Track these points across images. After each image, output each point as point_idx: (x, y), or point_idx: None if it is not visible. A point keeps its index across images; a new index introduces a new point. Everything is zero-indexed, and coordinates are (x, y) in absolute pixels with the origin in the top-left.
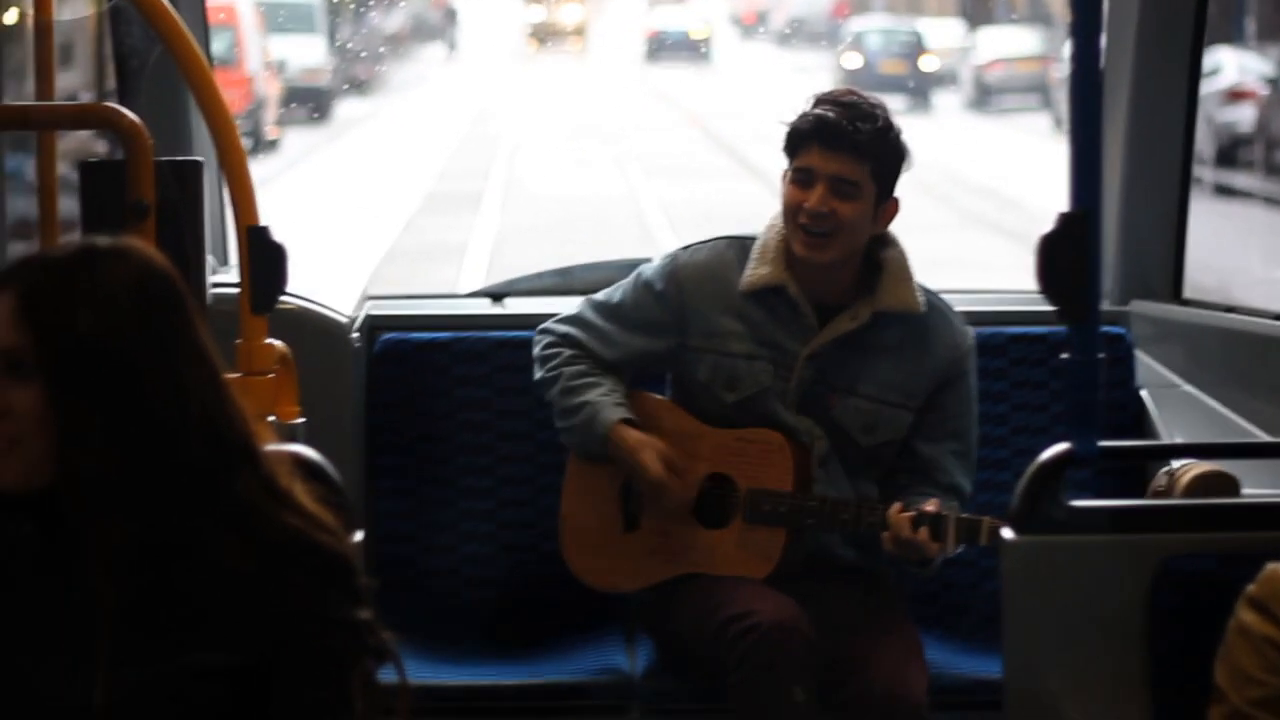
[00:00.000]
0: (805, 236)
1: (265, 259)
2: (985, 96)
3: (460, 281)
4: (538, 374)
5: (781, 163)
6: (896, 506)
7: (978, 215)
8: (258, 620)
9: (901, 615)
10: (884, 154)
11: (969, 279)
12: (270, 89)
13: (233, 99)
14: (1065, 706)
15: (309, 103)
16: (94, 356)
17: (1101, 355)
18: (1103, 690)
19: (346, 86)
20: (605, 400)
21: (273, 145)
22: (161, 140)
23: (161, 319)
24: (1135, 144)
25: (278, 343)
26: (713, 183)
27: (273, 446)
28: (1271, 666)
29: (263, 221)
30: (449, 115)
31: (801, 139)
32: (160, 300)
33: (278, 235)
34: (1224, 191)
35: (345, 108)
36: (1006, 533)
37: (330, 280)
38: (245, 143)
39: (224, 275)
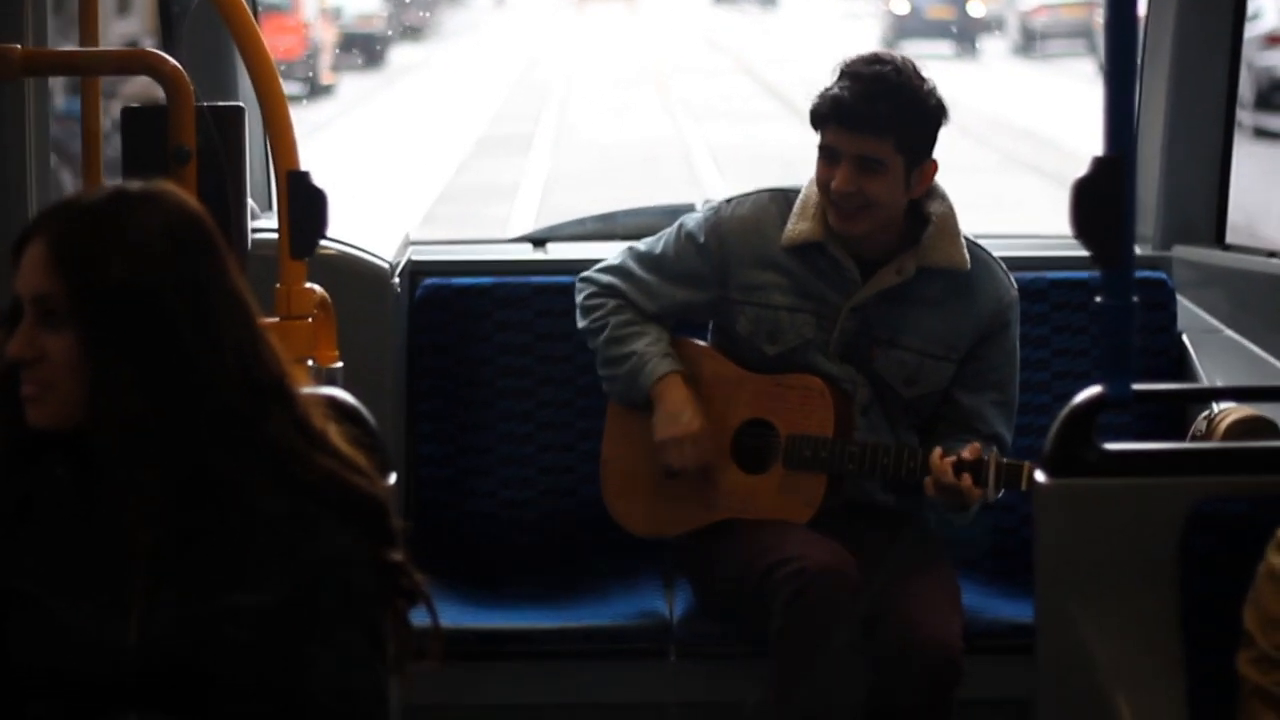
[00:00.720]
0: (837, 211)
1: (305, 204)
2: (1031, 42)
3: (512, 219)
4: (581, 322)
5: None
6: (938, 452)
7: (1018, 157)
8: (290, 561)
9: (939, 560)
10: (909, 124)
11: (1006, 217)
12: (326, 35)
13: (289, 45)
14: (1096, 649)
15: (363, 49)
16: (126, 302)
17: (1135, 299)
18: (1134, 633)
19: (399, 33)
20: (653, 350)
21: (328, 90)
22: (205, 86)
23: (193, 263)
24: (1178, 89)
25: (316, 287)
26: (759, 126)
27: (308, 390)
28: None
29: (305, 166)
30: (500, 61)
31: (822, 119)
32: (192, 244)
33: (324, 179)
34: (1262, 134)
35: (399, 54)
36: (1039, 476)
37: (383, 219)
38: (301, 88)
39: (266, 220)
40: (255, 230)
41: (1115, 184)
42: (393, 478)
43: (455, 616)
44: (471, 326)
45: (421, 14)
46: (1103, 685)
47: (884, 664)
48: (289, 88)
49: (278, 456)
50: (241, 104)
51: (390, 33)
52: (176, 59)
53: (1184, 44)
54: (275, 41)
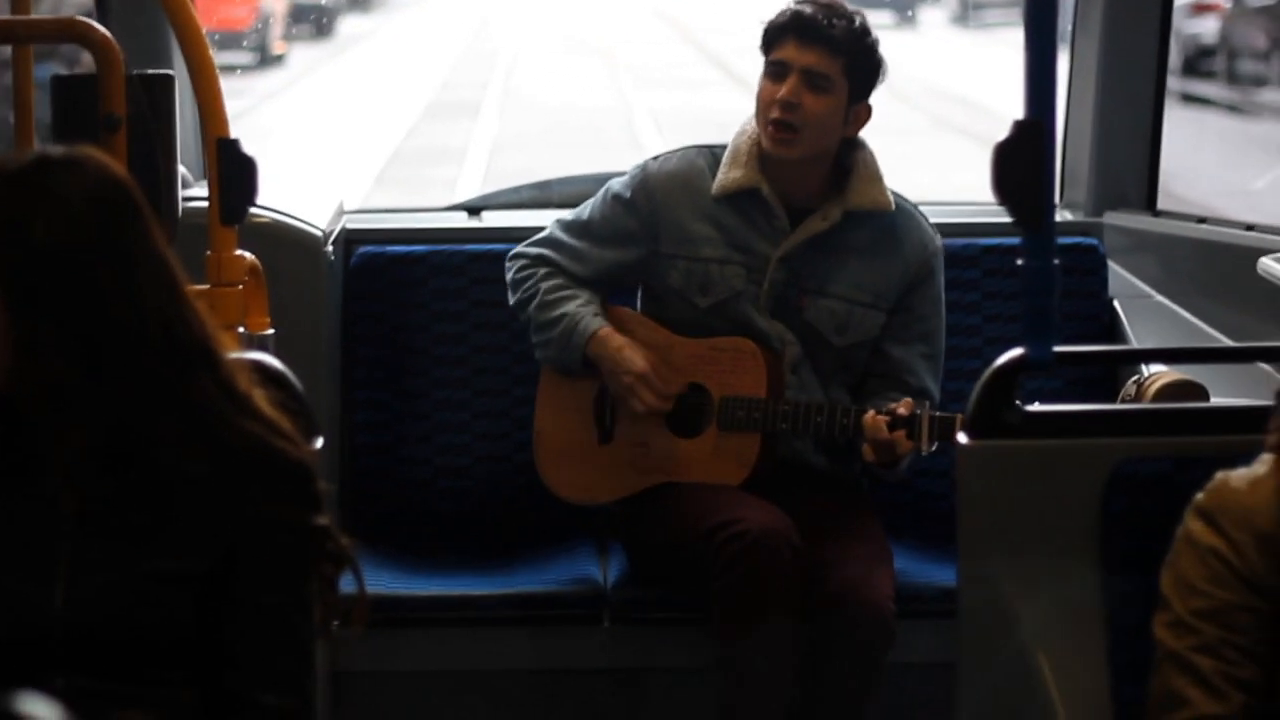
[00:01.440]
0: (774, 131)
1: (234, 171)
2: (968, 11)
3: (460, 181)
4: (513, 298)
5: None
6: (871, 413)
7: (949, 121)
8: (216, 525)
9: (872, 523)
10: (858, 53)
11: (936, 176)
12: (277, 5)
13: (240, 15)
14: (1018, 609)
15: (313, 19)
16: (49, 265)
17: (1057, 261)
18: (1055, 593)
19: (349, 3)
20: (584, 310)
21: (279, 60)
22: (140, 55)
23: (116, 227)
24: (1110, 56)
25: (247, 254)
26: (700, 92)
27: (234, 354)
28: (1216, 578)
29: (263, 130)
30: (448, 30)
31: (778, 32)
32: (114, 208)
33: (278, 143)
34: (1189, 100)
35: (348, 24)
36: (961, 437)
37: (319, 187)
38: (252, 58)
39: (200, 189)
40: (190, 198)
41: (1035, 147)
42: (319, 442)
43: (390, 583)
44: (406, 294)
45: None
46: (1024, 645)
47: (817, 626)
48: (239, 57)
49: (203, 420)
50: (171, 72)
51: (340, 3)
52: (110, 28)
53: (1115, 11)
54: (226, 12)
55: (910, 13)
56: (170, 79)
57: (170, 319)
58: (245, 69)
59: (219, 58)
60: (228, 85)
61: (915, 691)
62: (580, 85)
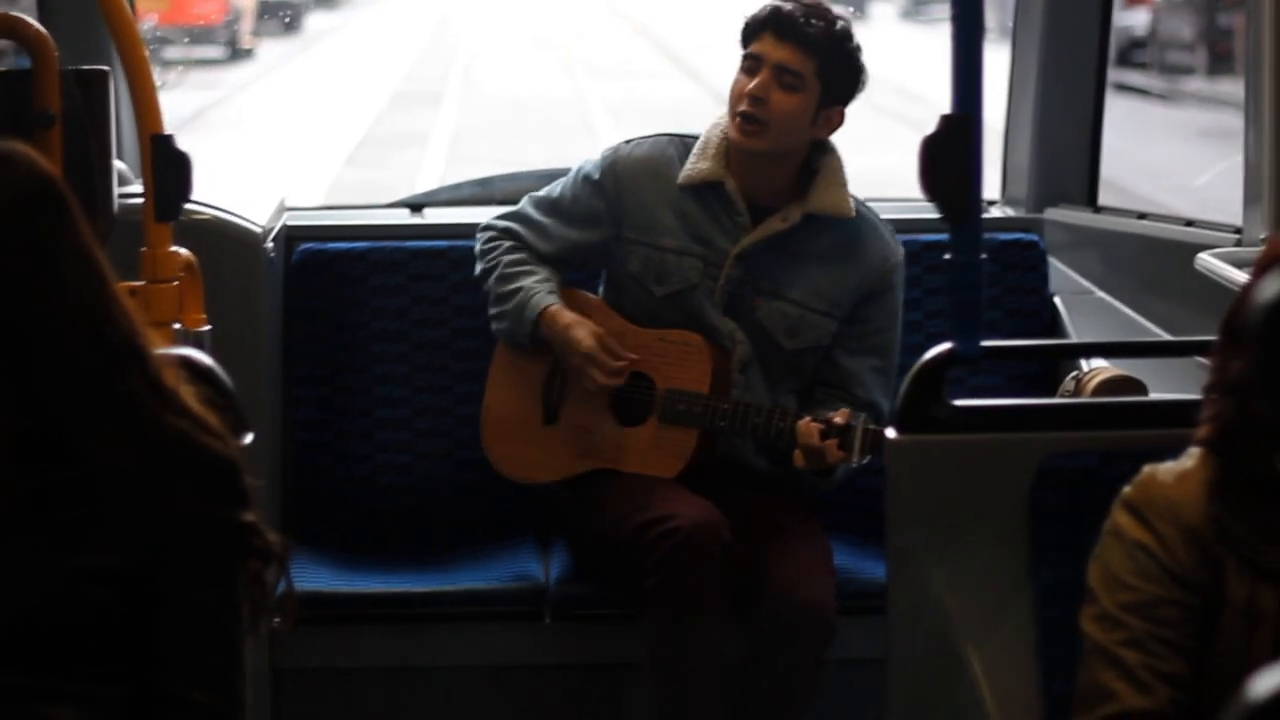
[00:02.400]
0: (741, 123)
1: (169, 168)
2: (917, 6)
3: (424, 162)
4: (478, 268)
5: (720, 67)
6: (806, 419)
7: (884, 106)
8: (143, 522)
9: (810, 522)
10: (834, 54)
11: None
12: (247, 2)
13: (212, 11)
14: (947, 604)
15: (281, 16)
16: None
17: (984, 256)
18: (984, 588)
19: (314, 0)
20: (540, 287)
21: (249, 54)
22: (78, 51)
23: (41, 222)
24: (1050, 51)
25: (182, 251)
26: (653, 83)
27: (161, 350)
28: (1142, 571)
29: (167, 130)
30: (410, 27)
31: (756, 27)
32: (40, 203)
33: (229, 135)
34: (1122, 89)
35: (314, 20)
36: (890, 432)
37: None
38: (223, 52)
39: (141, 186)
40: (129, 195)
41: (963, 142)
42: (249, 438)
43: (331, 580)
44: (347, 291)
45: None
46: (953, 639)
47: (757, 624)
48: (212, 51)
49: (129, 416)
50: (106, 68)
51: (307, 0)
52: (51, 25)
53: (1056, 7)
54: (199, 8)
55: (858, 10)
56: (105, 75)
57: (97, 315)
58: (217, 63)
59: (193, 52)
60: (201, 78)
61: (857, 688)
62: (537, 77)
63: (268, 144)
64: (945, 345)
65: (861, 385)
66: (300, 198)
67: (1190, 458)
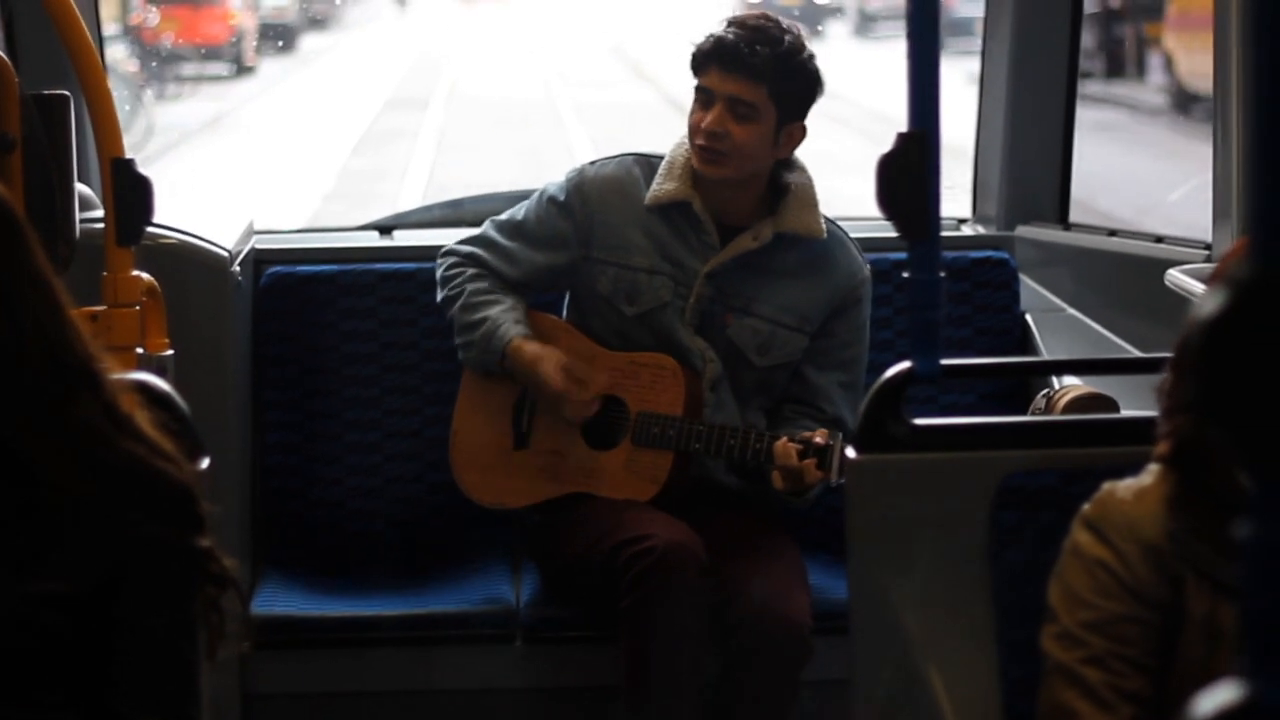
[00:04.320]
0: (701, 153)
1: (130, 191)
2: (867, 24)
3: (415, 152)
4: (440, 294)
5: (678, 75)
6: (784, 440)
7: (832, 113)
8: (97, 547)
9: (784, 540)
10: (784, 77)
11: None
12: (249, 23)
13: (219, 32)
14: (908, 623)
15: (278, 38)
16: None
17: (943, 274)
18: (946, 607)
19: (307, 23)
20: (505, 316)
21: (251, 71)
22: (43, 76)
23: None
24: (1020, 69)
25: (144, 275)
26: (616, 90)
27: (116, 375)
28: (1103, 589)
29: (129, 154)
30: (397, 45)
31: (703, 59)
32: None
33: (241, 142)
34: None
35: (308, 42)
36: (850, 452)
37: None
38: (229, 69)
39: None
40: (93, 219)
41: (920, 159)
42: (205, 462)
43: (301, 604)
44: (316, 314)
45: (330, 6)
46: (915, 659)
47: (733, 644)
48: (219, 68)
49: (84, 441)
50: (67, 92)
51: (302, 23)
52: (16, 49)
53: (1024, 23)
54: (207, 29)
55: (820, 27)
56: (66, 99)
57: (53, 341)
58: (223, 79)
59: (204, 69)
60: (211, 91)
61: (834, 708)
62: (513, 86)
63: (277, 144)
64: (904, 364)
65: (829, 400)
66: (294, 204)
67: (1149, 474)
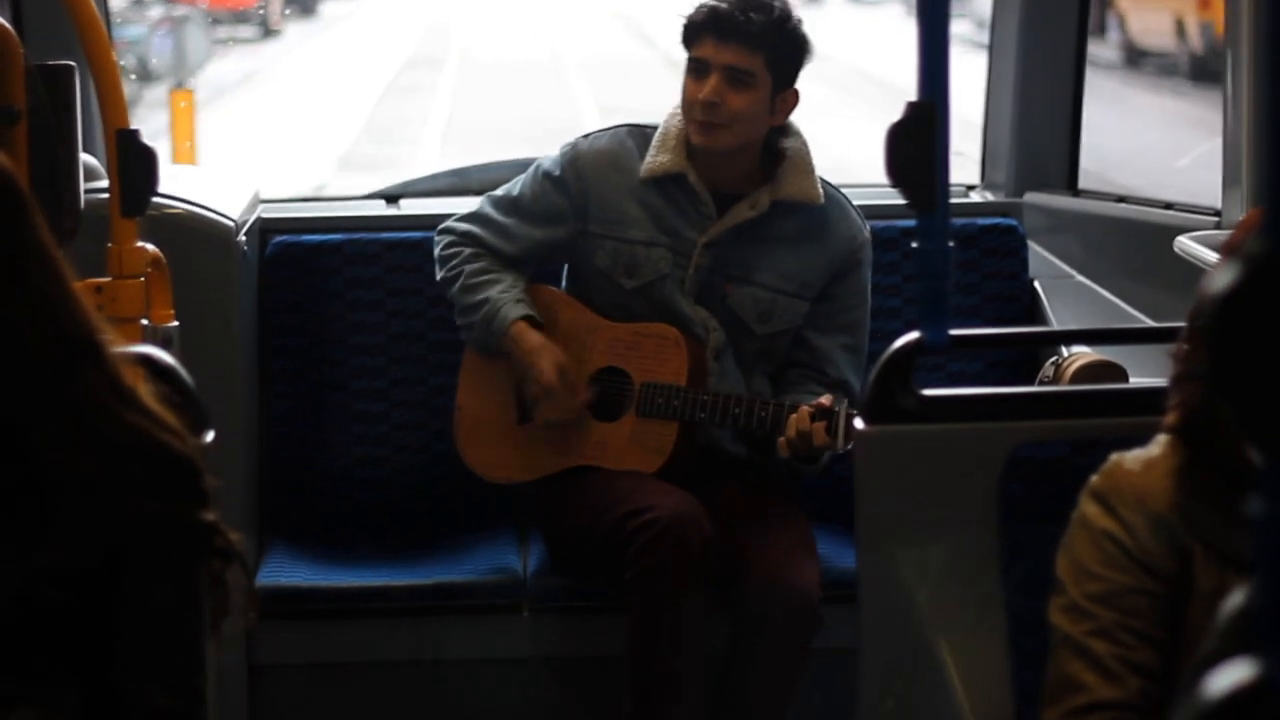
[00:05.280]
0: (699, 126)
1: (135, 163)
2: None
3: (433, 104)
4: (439, 274)
5: (674, 36)
6: (801, 407)
7: (826, 75)
8: (100, 522)
9: (793, 509)
10: (779, 44)
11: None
12: None
13: None
14: (917, 594)
15: (299, 2)
16: None
17: (951, 244)
18: (954, 579)
19: None
20: (505, 297)
21: (277, 34)
22: (54, 48)
23: (1, 217)
24: (1030, 36)
25: (149, 246)
26: (610, 44)
27: (121, 349)
28: (1110, 561)
29: (134, 125)
30: (413, 10)
31: (696, 30)
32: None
33: (276, 97)
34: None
35: (328, 8)
36: (858, 423)
37: (232, 179)
38: (255, 32)
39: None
40: (99, 190)
41: (928, 128)
42: (209, 436)
43: (308, 575)
44: (323, 283)
45: None
46: (923, 631)
47: (742, 614)
48: (247, 31)
49: (88, 414)
50: (72, 63)
51: None
52: (22, 20)
53: None
54: None
55: None
56: (71, 70)
57: (55, 312)
58: (252, 41)
59: (234, 31)
60: (242, 51)
61: (842, 677)
62: (522, 47)
63: (310, 97)
64: (913, 335)
65: (832, 364)
66: (322, 152)
67: (1158, 445)
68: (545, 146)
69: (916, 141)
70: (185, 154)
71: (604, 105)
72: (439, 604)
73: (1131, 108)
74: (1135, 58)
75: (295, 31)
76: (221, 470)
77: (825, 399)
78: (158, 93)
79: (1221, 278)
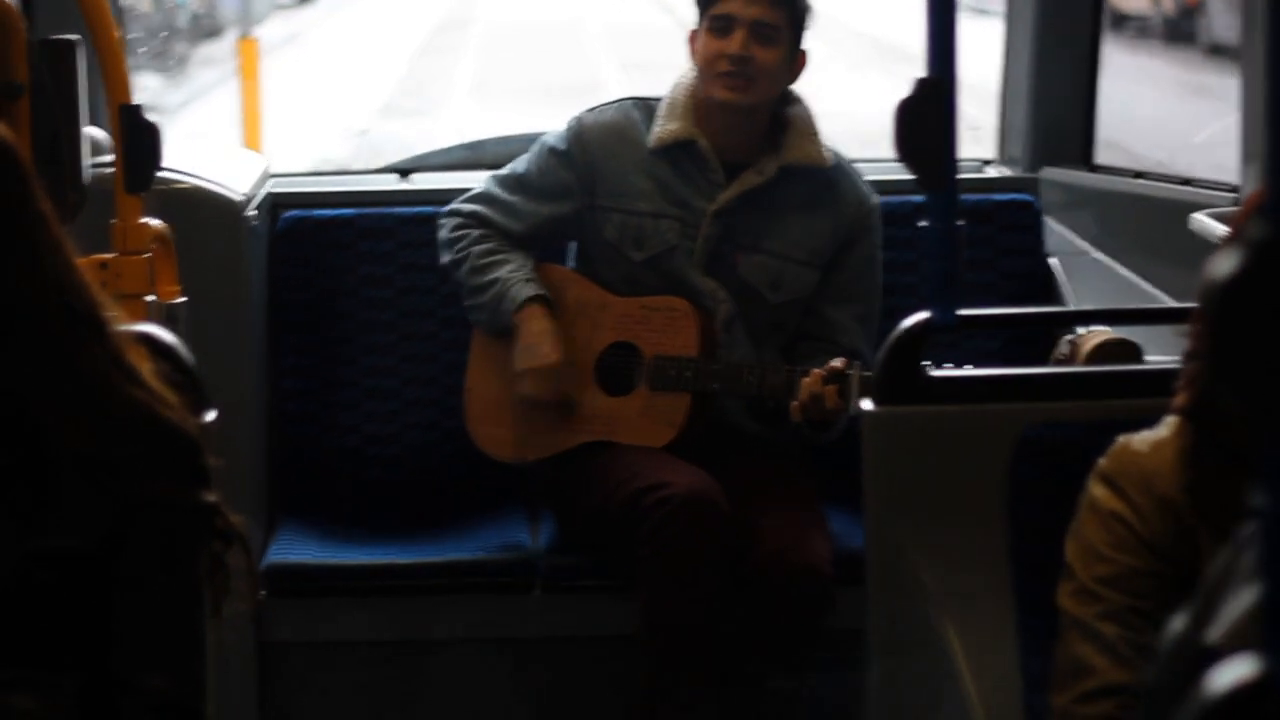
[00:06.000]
0: (727, 80)
1: (138, 138)
2: None
3: (461, 62)
4: (446, 257)
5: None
6: (814, 372)
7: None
8: (100, 503)
9: (805, 486)
10: (798, 3)
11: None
12: None
13: None
14: (925, 577)
15: None
16: None
17: (961, 223)
18: (963, 562)
19: None
20: (515, 276)
21: (312, 1)
22: (53, 21)
23: (4, 191)
24: (1046, 10)
25: (154, 221)
26: (634, 14)
27: (122, 326)
28: (1119, 543)
29: (136, 100)
30: None
31: None
32: (3, 174)
33: (322, 50)
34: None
35: None
36: (866, 404)
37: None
38: None
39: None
40: (105, 164)
41: (937, 106)
42: (210, 415)
43: (318, 552)
44: (334, 259)
45: None
46: (931, 615)
47: (752, 592)
48: None
49: (90, 389)
50: (76, 37)
51: None
52: None
53: None
54: None
55: None
56: (73, 45)
57: (60, 286)
58: (289, 6)
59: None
60: (278, 17)
61: (853, 657)
62: (543, 7)
63: (350, 56)
64: (921, 315)
65: (845, 332)
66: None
67: (1166, 426)
68: (562, 100)
69: (925, 119)
70: (252, 95)
71: (624, 62)
72: (449, 582)
73: (1116, 66)
74: (1118, 21)
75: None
76: (231, 446)
77: (838, 362)
78: (205, 50)
79: (1223, 263)
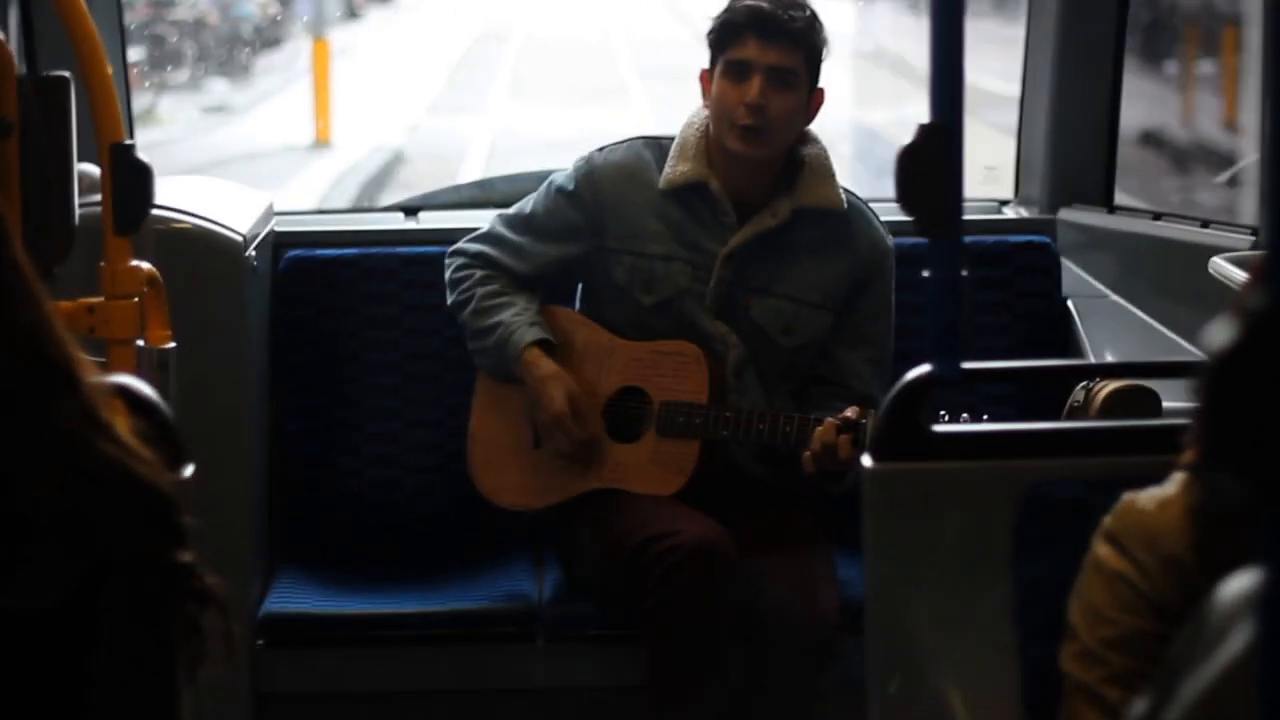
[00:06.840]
0: (742, 132)
1: (128, 178)
2: None
3: (499, 71)
4: (450, 298)
5: (698, 10)
6: (828, 420)
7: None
8: (70, 562)
9: (813, 533)
10: (816, 43)
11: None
12: None
13: None
14: (927, 636)
15: None
16: None
17: (965, 273)
18: (966, 622)
19: None
20: (519, 320)
21: (360, 16)
22: (50, 58)
23: None
24: (1064, 50)
25: (144, 264)
26: (658, 29)
27: (98, 378)
28: (1124, 604)
29: (128, 140)
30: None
31: (735, 30)
32: None
33: (372, 59)
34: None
35: None
36: (866, 460)
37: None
38: (337, 12)
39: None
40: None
41: (942, 152)
42: (188, 470)
43: (318, 601)
44: (337, 299)
45: None
46: (934, 677)
47: (758, 639)
48: (333, 12)
49: (59, 445)
50: (67, 74)
51: None
52: (30, 32)
53: (1070, 3)
54: None
55: None
56: (66, 81)
57: (38, 337)
58: (337, 21)
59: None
60: (333, 31)
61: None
62: (575, 24)
63: (398, 66)
64: (923, 368)
65: (858, 377)
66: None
67: (1174, 483)
68: (591, 109)
69: (929, 166)
70: (323, 90)
71: (644, 70)
72: (451, 632)
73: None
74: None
75: (375, 15)
76: (230, 492)
77: (851, 411)
78: (267, 60)
79: (1220, 334)
